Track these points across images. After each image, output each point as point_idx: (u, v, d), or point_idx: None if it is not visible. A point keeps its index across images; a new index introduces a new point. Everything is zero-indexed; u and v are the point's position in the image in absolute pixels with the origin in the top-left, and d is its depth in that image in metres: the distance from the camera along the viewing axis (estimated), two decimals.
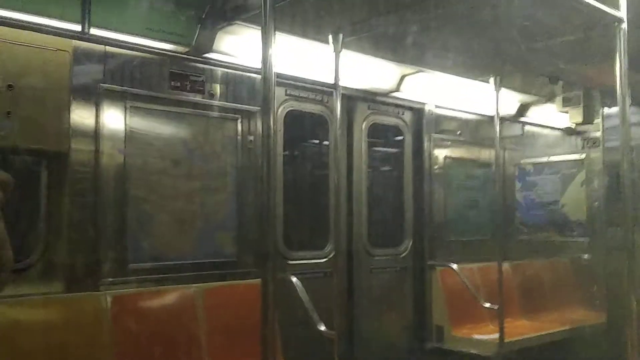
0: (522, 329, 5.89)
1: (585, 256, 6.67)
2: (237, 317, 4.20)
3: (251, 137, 4.59)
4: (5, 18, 3.43)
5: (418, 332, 5.86)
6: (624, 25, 3.31)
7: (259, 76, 2.46)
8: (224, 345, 4.11)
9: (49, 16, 3.59)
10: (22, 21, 3.49)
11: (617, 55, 3.31)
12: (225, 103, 4.49)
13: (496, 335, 5.18)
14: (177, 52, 4.23)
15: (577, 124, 6.74)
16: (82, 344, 3.55)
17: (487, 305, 5.38)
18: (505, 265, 5.79)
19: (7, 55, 3.46)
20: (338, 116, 4.30)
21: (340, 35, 4.10)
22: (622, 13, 3.30)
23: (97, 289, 3.77)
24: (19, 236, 3.71)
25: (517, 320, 6.12)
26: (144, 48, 4.05)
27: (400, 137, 5.99)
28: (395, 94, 5.72)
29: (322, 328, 4.05)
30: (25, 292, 3.44)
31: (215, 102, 4.44)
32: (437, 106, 6.12)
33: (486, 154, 6.49)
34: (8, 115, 3.44)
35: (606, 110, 6.59)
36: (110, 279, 3.83)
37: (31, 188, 3.72)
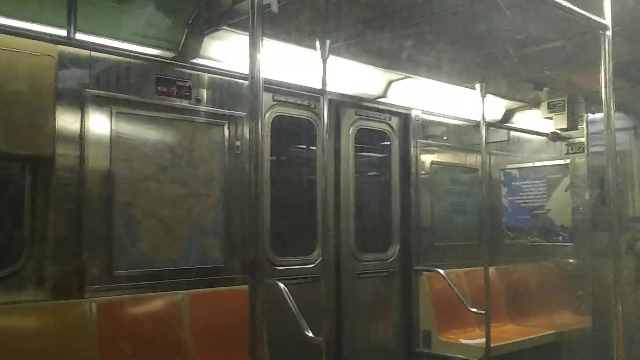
0: (509, 333, 5.92)
1: (571, 260, 6.72)
2: (224, 324, 4.17)
3: (238, 143, 4.58)
4: None
5: (405, 337, 5.86)
6: (609, 33, 3.34)
7: (246, 81, 2.45)
8: (211, 351, 4.08)
9: (34, 21, 3.56)
10: (7, 26, 3.45)
11: (602, 62, 3.34)
12: (212, 108, 4.48)
13: (483, 340, 5.20)
14: (164, 58, 4.21)
15: (561, 130, 6.80)
16: (67, 351, 3.51)
17: (474, 310, 5.40)
18: (492, 270, 5.82)
19: None
20: (325, 121, 4.30)
21: (328, 41, 4.11)
22: (607, 21, 3.33)
23: (82, 296, 3.72)
24: (2, 242, 3.68)
25: (504, 324, 6.15)
26: (130, 53, 4.03)
27: (387, 143, 6.01)
28: (382, 100, 5.75)
29: (310, 334, 4.03)
30: (8, 300, 3.40)
31: (202, 108, 4.42)
32: (423, 112, 6.15)
33: (472, 159, 6.54)
34: None
35: (590, 116, 6.66)
36: (96, 286, 3.80)
37: (15, 194, 3.68)
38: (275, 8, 3.02)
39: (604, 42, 3.35)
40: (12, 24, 3.48)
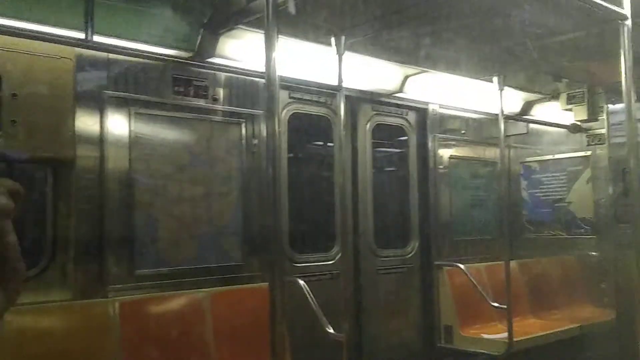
0: (531, 327, 5.87)
1: (593, 253, 6.64)
2: (245, 321, 4.19)
3: (256, 141, 4.59)
4: (9, 27, 3.44)
5: (427, 332, 5.84)
6: (628, 22, 3.30)
7: (263, 80, 2.46)
8: (233, 349, 4.11)
9: (52, 24, 3.60)
10: (26, 30, 3.50)
11: (622, 52, 3.30)
12: (229, 107, 4.50)
13: (505, 335, 5.17)
14: (180, 58, 4.23)
15: (581, 121, 6.72)
16: (90, 350, 3.56)
17: (496, 304, 5.36)
18: (513, 264, 5.78)
19: (11, 64, 3.47)
20: (342, 118, 4.30)
21: (343, 37, 4.11)
22: (626, 10, 3.29)
23: (105, 296, 3.77)
24: (26, 244, 3.73)
25: (526, 319, 6.10)
26: (147, 54, 4.05)
27: (404, 138, 5.99)
28: (398, 95, 5.72)
29: (331, 331, 4.04)
30: (33, 300, 3.45)
31: (219, 107, 4.44)
32: (441, 106, 6.11)
33: (491, 153, 6.49)
34: (13, 124, 3.44)
35: (610, 107, 6.57)
36: (118, 285, 3.84)
37: (38, 196, 3.73)
38: (292, 9, 3.03)
39: (623, 32, 3.31)
40: (31, 28, 3.52)
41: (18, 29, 3.47)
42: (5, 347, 3.20)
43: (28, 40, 3.52)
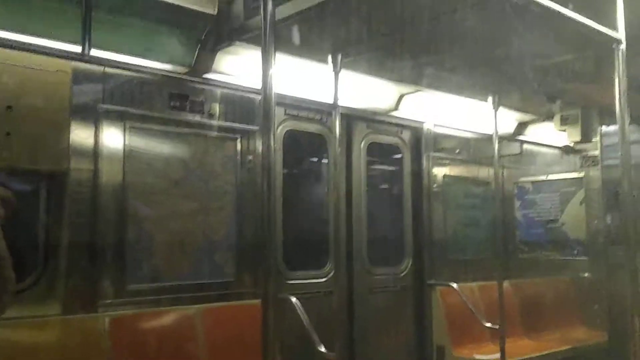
0: (524, 348, 5.84)
1: (586, 275, 6.64)
2: (237, 338, 4.16)
3: (251, 157, 4.59)
4: (6, 40, 3.44)
5: (419, 352, 5.81)
6: (623, 46, 3.33)
7: (258, 96, 2.46)
8: None
9: (50, 38, 3.61)
10: (23, 43, 3.50)
11: (616, 75, 3.32)
12: (225, 123, 4.50)
13: (497, 355, 5.13)
14: (177, 73, 4.25)
15: (575, 143, 6.75)
16: None
17: (488, 324, 5.34)
18: (506, 284, 5.76)
19: (7, 77, 3.46)
20: (337, 135, 4.30)
21: (339, 55, 4.13)
22: (620, 34, 3.32)
23: (96, 311, 3.73)
24: (17, 257, 3.70)
25: (519, 339, 6.07)
26: (144, 69, 4.07)
27: (399, 156, 6.00)
28: (393, 113, 5.74)
29: (323, 349, 4.01)
30: (21, 314, 3.41)
31: (215, 122, 4.44)
32: (435, 125, 6.14)
33: (485, 173, 6.51)
34: (8, 136, 3.43)
35: (604, 128, 6.61)
36: (109, 300, 3.80)
37: (30, 208, 3.70)
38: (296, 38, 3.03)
39: (618, 55, 3.34)
40: (28, 41, 3.53)
41: (15, 42, 3.48)
42: None
43: (25, 53, 3.52)
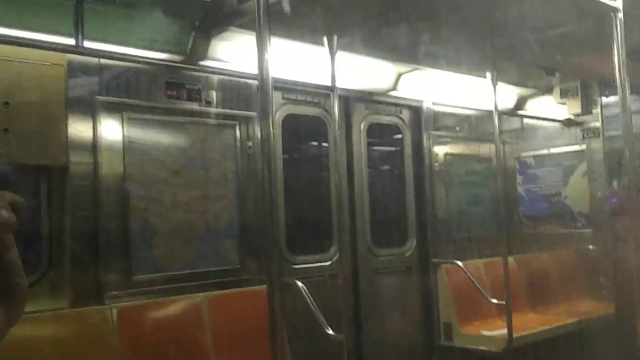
0: (531, 323, 5.87)
1: (591, 247, 6.65)
2: (244, 325, 4.18)
3: (250, 143, 4.58)
4: None
5: (426, 330, 5.84)
6: (620, 15, 3.29)
7: (256, 81, 2.45)
8: (233, 353, 4.09)
9: (43, 31, 3.58)
10: (16, 37, 3.48)
11: (615, 44, 3.29)
12: (223, 110, 4.48)
13: (504, 331, 5.16)
14: (172, 61, 4.22)
15: (575, 115, 6.72)
16: (89, 358, 3.53)
17: (494, 301, 5.36)
18: (511, 260, 5.77)
19: (2, 72, 3.45)
20: (336, 118, 4.28)
21: (335, 37, 4.09)
22: (617, 2, 3.28)
23: (102, 303, 3.74)
24: (22, 253, 3.70)
25: (525, 314, 6.10)
26: (139, 58, 4.04)
27: (399, 136, 5.98)
28: (392, 93, 5.71)
29: (330, 332, 4.02)
30: (28, 310, 3.41)
31: (213, 109, 4.42)
32: (434, 103, 6.10)
33: (486, 149, 6.48)
34: (5, 132, 3.42)
35: (604, 99, 6.57)
36: (115, 292, 3.81)
37: (31, 203, 3.70)
38: (287, 7, 3.01)
39: (616, 24, 3.31)
40: (21, 35, 3.50)
41: (8, 36, 3.45)
42: (2, 358, 3.17)
43: (19, 47, 3.50)
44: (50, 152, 3.64)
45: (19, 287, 1.07)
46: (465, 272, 5.66)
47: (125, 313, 3.75)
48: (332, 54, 4.10)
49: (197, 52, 4.26)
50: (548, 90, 6.74)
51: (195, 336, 4.00)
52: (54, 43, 3.63)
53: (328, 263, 5.06)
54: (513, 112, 6.89)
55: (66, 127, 3.70)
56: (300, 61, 4.79)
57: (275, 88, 4.38)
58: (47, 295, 3.58)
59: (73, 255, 3.69)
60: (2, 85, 3.44)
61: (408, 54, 5.12)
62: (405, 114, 5.98)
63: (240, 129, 4.56)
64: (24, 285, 1.09)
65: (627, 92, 3.33)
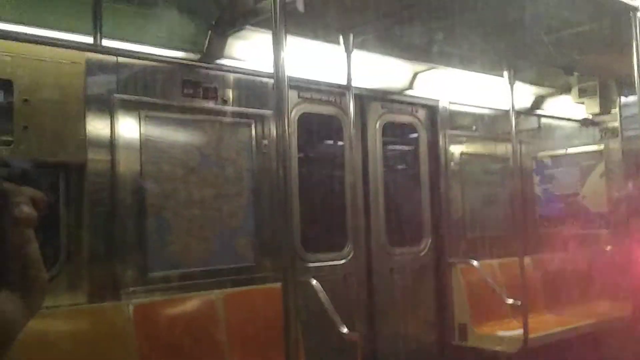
0: (547, 324, 5.82)
1: (608, 247, 6.58)
2: (259, 322, 4.19)
3: (266, 141, 4.59)
4: (20, 33, 3.46)
5: (441, 330, 5.82)
6: (639, 14, 3.26)
7: (271, 80, 2.45)
8: (248, 350, 4.11)
9: (62, 30, 3.62)
10: (36, 36, 3.52)
11: (634, 43, 3.26)
12: (239, 108, 4.49)
13: (520, 331, 5.13)
14: (189, 60, 4.24)
15: (594, 115, 6.65)
16: (106, 354, 3.57)
17: (510, 301, 5.32)
18: (527, 260, 5.73)
19: (23, 70, 3.49)
20: (352, 117, 4.29)
21: (351, 35, 4.09)
22: (636, 1, 3.25)
23: (119, 299, 3.78)
24: (40, 249, 3.75)
25: (541, 315, 6.05)
26: (156, 57, 4.07)
27: (415, 135, 5.96)
28: (408, 92, 5.69)
29: (345, 330, 4.03)
30: (47, 304, 3.46)
31: (229, 108, 4.44)
32: (451, 102, 6.07)
33: (503, 148, 6.43)
34: (25, 130, 3.46)
35: (623, 99, 6.50)
36: (132, 288, 3.85)
37: (50, 200, 3.74)
38: (301, 7, 3.02)
39: (635, 23, 3.27)
40: (41, 34, 3.54)
41: (29, 35, 3.50)
42: (20, 352, 3.21)
43: (38, 46, 3.54)
44: (69, 149, 3.68)
45: (38, 280, 1.09)
46: (481, 272, 5.63)
47: (142, 309, 3.78)
48: (348, 52, 4.11)
49: (213, 51, 4.28)
50: (566, 90, 6.68)
51: (211, 332, 4.02)
52: (73, 41, 3.67)
53: (343, 261, 5.06)
54: (530, 112, 6.83)
55: (84, 124, 3.74)
56: (316, 60, 4.79)
57: (291, 87, 4.39)
58: (65, 290, 3.62)
59: (90, 251, 3.73)
60: (22, 83, 3.48)
61: (424, 52, 5.10)
62: (421, 113, 5.96)
63: (255, 127, 4.57)
64: (44, 278, 1.11)
65: None
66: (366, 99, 5.45)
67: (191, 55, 4.24)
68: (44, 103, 3.56)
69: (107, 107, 3.86)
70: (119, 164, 3.88)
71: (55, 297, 3.55)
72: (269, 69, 2.47)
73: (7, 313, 1.02)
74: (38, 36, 3.53)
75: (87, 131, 3.75)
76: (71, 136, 3.68)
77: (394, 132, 5.80)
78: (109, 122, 3.86)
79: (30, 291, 1.08)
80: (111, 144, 3.86)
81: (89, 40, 3.71)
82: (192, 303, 4.05)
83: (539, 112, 6.91)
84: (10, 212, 1.02)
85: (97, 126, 3.81)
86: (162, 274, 3.99)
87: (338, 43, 4.11)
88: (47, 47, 3.57)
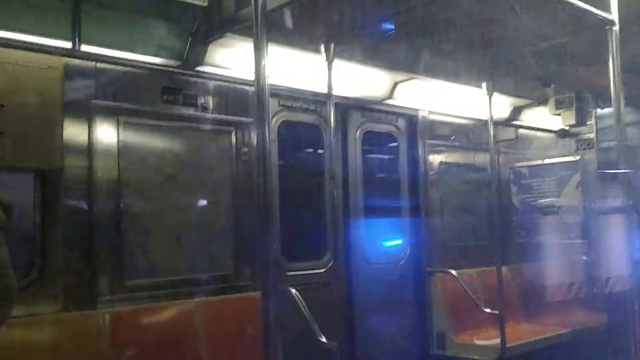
0: (524, 333, 5.87)
1: (584, 258, 6.65)
2: (237, 331, 4.16)
3: (246, 149, 4.57)
4: None
5: (419, 339, 5.82)
6: (616, 28, 3.32)
7: (252, 88, 2.44)
8: (226, 359, 4.07)
9: (40, 34, 3.58)
10: (13, 40, 3.47)
11: (610, 57, 3.31)
12: (219, 115, 4.47)
13: (497, 340, 5.16)
14: (169, 66, 4.21)
15: (570, 126, 6.75)
16: None
17: (488, 310, 5.36)
18: (504, 269, 5.78)
19: None
20: (332, 125, 4.29)
21: (332, 44, 4.10)
22: (613, 15, 3.31)
23: (95, 307, 3.72)
24: (15, 256, 3.68)
25: (518, 324, 6.11)
26: (135, 63, 4.04)
27: (394, 144, 5.99)
28: (388, 102, 5.72)
29: (323, 339, 4.01)
30: (21, 313, 3.40)
31: (209, 115, 4.42)
32: (430, 112, 6.12)
33: (481, 158, 6.49)
34: (0, 135, 3.40)
35: (599, 111, 6.61)
36: (108, 297, 3.79)
37: (24, 206, 3.68)
38: (287, 18, 3.01)
39: (612, 37, 3.33)
40: (18, 38, 3.50)
41: (5, 39, 3.44)
42: None
43: (15, 50, 3.49)
44: (45, 155, 3.63)
45: (9, 286, 1.06)
46: (459, 281, 5.66)
47: (118, 318, 3.73)
48: (329, 61, 4.12)
49: (194, 58, 4.25)
50: (543, 102, 6.78)
51: (188, 341, 3.98)
52: (51, 46, 3.62)
53: (322, 270, 5.05)
54: (508, 122, 6.92)
55: (61, 130, 3.69)
56: (297, 68, 4.79)
57: (272, 95, 4.39)
58: (39, 298, 3.56)
59: (65, 258, 3.67)
60: None
61: (405, 63, 5.14)
62: (402, 122, 6.00)
63: (236, 134, 4.55)
64: (14, 284, 1.08)
65: (622, 104, 3.35)
66: (347, 107, 5.47)
67: (171, 62, 4.22)
68: (20, 108, 3.50)
69: (85, 113, 3.81)
70: (96, 171, 3.82)
71: (29, 305, 3.48)
72: (250, 76, 2.46)
73: None
74: (15, 40, 3.48)
75: (64, 137, 3.69)
76: (47, 142, 3.63)
77: (374, 141, 5.82)
78: (86, 128, 3.81)
79: (1, 299, 1.05)
80: (89, 150, 3.80)
81: (68, 45, 3.67)
82: (169, 312, 4.00)
83: (516, 122, 6.99)
84: None
85: (74, 132, 3.76)
86: (140, 282, 3.94)
87: (319, 52, 4.11)
88: (25, 52, 3.52)
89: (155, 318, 3.94)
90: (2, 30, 3.44)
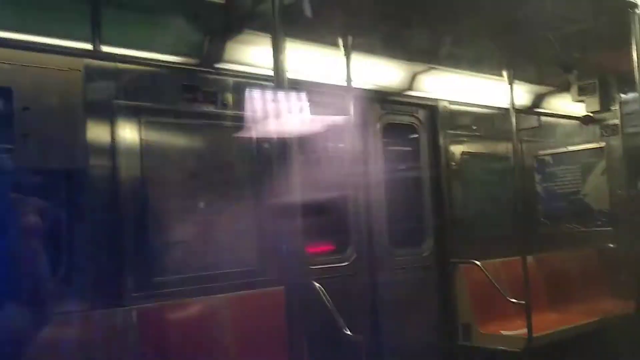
0: (550, 322, 5.81)
1: (611, 245, 6.57)
2: (263, 325, 4.18)
3: (267, 145, 4.58)
4: (18, 41, 3.46)
5: (445, 331, 5.80)
6: (639, 11, 3.25)
7: (272, 83, 2.45)
8: (252, 354, 4.10)
9: (60, 36, 3.62)
10: (34, 43, 3.52)
11: (633, 40, 3.26)
12: (239, 112, 4.49)
13: (524, 331, 5.12)
14: (188, 64, 4.24)
15: (594, 113, 6.65)
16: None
17: (514, 300, 5.32)
18: (530, 259, 5.73)
19: (22, 78, 3.49)
20: (352, 118, 4.27)
21: (350, 37, 4.09)
22: None
23: (123, 304, 3.77)
24: (45, 256, 3.74)
25: (545, 314, 6.04)
26: (155, 62, 4.06)
27: (415, 136, 5.95)
28: (408, 93, 5.68)
29: (348, 332, 4.02)
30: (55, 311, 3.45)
31: (229, 112, 4.43)
32: (451, 102, 6.07)
33: (503, 148, 6.42)
34: (25, 138, 3.46)
35: (623, 96, 6.50)
36: (135, 294, 3.84)
37: (52, 207, 3.73)
38: (308, 12, 3.02)
39: (634, 20, 3.27)
40: (39, 41, 3.54)
41: (27, 42, 3.49)
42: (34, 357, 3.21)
43: (37, 53, 3.54)
44: (69, 157, 3.68)
45: (49, 294, 1.09)
46: (484, 272, 5.63)
47: (146, 314, 3.77)
48: (348, 54, 4.11)
49: (212, 55, 4.27)
50: (566, 88, 6.68)
51: (215, 336, 4.01)
52: (71, 48, 3.67)
53: (345, 264, 5.05)
54: (530, 110, 6.83)
55: (84, 131, 3.73)
56: (315, 62, 4.78)
57: (291, 89, 4.39)
58: (68, 296, 3.61)
59: (93, 257, 3.72)
60: (22, 90, 3.48)
61: (424, 53, 5.11)
62: (421, 114, 5.96)
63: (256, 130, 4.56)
64: (51, 290, 1.11)
65: None
66: (366, 100, 5.44)
67: (190, 60, 4.24)
68: (43, 110, 3.55)
69: (107, 113, 3.85)
70: (120, 170, 3.87)
71: (58, 303, 3.54)
72: (269, 72, 2.47)
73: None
74: (37, 43, 3.53)
75: (87, 138, 3.74)
76: (72, 143, 3.68)
77: (395, 133, 5.79)
78: (109, 128, 3.85)
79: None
80: (112, 151, 3.85)
81: (88, 46, 3.71)
82: (196, 307, 4.04)
83: (539, 110, 6.90)
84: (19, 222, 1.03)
85: (97, 132, 3.80)
86: (167, 278, 3.98)
87: (337, 45, 4.10)
88: (46, 54, 3.57)
89: (182, 314, 3.96)
90: (23, 33, 3.49)
